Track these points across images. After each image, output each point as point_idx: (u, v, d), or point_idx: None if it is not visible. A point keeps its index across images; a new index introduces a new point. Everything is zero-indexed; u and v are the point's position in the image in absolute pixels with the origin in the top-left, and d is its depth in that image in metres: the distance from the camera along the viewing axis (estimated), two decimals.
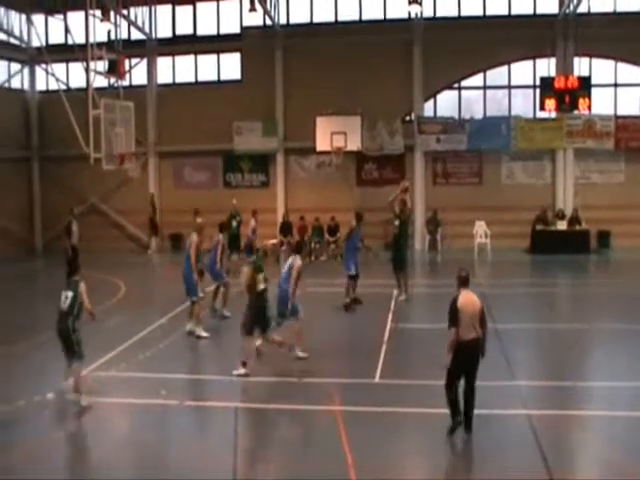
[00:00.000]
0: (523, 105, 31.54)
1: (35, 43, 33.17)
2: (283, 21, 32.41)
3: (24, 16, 33.05)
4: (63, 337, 12.35)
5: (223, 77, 33.23)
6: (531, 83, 30.97)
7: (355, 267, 19.81)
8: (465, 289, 11.06)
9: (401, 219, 20.64)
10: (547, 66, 30.43)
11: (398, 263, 20.81)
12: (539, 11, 30.88)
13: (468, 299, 10.93)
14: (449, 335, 10.72)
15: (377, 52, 31.18)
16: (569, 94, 28.12)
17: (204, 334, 16.90)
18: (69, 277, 12.77)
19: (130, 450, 10.94)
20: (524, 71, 31.26)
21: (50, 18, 33.05)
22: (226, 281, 19.33)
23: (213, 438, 11.28)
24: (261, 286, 14.27)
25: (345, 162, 30.98)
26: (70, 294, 12.36)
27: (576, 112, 29.22)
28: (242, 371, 13.78)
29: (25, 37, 33.63)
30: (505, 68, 31.39)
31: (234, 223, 24.63)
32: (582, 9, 29.46)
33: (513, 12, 30.97)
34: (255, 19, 30.83)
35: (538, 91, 29.34)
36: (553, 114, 29.91)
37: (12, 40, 33.00)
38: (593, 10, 29.91)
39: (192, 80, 33.50)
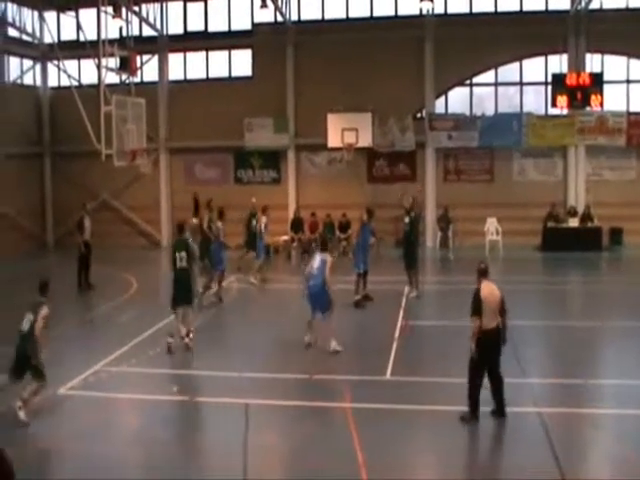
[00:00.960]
0: (535, 102, 31.33)
1: (47, 40, 33.16)
2: (294, 17, 32.33)
3: (36, 13, 33.01)
4: (20, 361, 11.54)
5: (234, 73, 33.15)
6: (543, 80, 30.72)
7: (364, 264, 19.83)
8: (485, 280, 11.40)
9: (411, 216, 20.68)
10: (559, 62, 30.27)
11: (409, 260, 20.82)
12: (551, 7, 30.68)
13: (490, 289, 11.35)
14: (473, 323, 11.16)
15: (388, 49, 31.07)
16: (581, 91, 28.03)
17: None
18: (41, 294, 11.95)
19: (139, 447, 10.97)
20: (536, 67, 31.05)
21: (62, 15, 33.11)
22: (222, 270, 20.69)
23: (223, 435, 11.29)
24: (181, 264, 15.71)
25: (356, 158, 30.89)
26: (31, 317, 11.55)
27: (588, 109, 29.08)
28: (169, 339, 15.52)
29: (37, 34, 33.57)
30: (517, 64, 31.20)
31: (253, 221, 24.60)
32: (594, 5, 29.32)
33: (525, 8, 30.78)
34: (266, 15, 30.88)
35: (550, 88, 29.26)
36: (565, 111, 29.75)
37: (24, 37, 32.99)
38: (605, 6, 29.73)
39: (203, 76, 33.45)
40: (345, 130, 29.51)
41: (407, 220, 20.80)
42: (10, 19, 31.51)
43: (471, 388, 11.23)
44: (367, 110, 29.79)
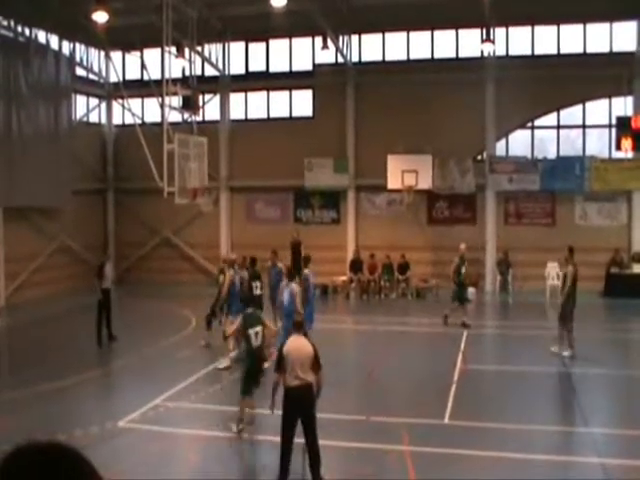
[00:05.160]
0: (598, 145, 30.96)
1: (113, 79, 34.05)
2: (355, 59, 32.51)
3: (102, 53, 33.99)
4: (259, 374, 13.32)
5: (295, 113, 33.47)
6: (606, 122, 30.37)
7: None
8: (297, 334, 11.03)
9: (566, 271, 20.15)
10: (623, 105, 29.87)
11: (567, 315, 19.61)
12: (615, 49, 30.34)
13: (295, 345, 10.83)
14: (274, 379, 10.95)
15: (449, 90, 30.97)
16: None
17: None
18: (248, 307, 13.66)
19: None
20: (599, 110, 30.70)
21: (127, 55, 33.95)
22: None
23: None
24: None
25: (416, 200, 30.68)
26: (259, 329, 13.10)
27: None
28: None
29: (103, 73, 34.55)
30: (579, 107, 30.92)
31: (462, 269, 23.01)
32: None
33: (588, 50, 30.54)
34: (327, 56, 31.17)
35: (614, 130, 28.84)
36: (630, 154, 29.26)
37: (91, 76, 33.95)
38: None
39: (264, 116, 33.84)
40: (405, 172, 29.32)
41: (564, 274, 20.11)
42: (78, 59, 32.42)
43: (281, 450, 10.65)
44: (427, 152, 29.62)
